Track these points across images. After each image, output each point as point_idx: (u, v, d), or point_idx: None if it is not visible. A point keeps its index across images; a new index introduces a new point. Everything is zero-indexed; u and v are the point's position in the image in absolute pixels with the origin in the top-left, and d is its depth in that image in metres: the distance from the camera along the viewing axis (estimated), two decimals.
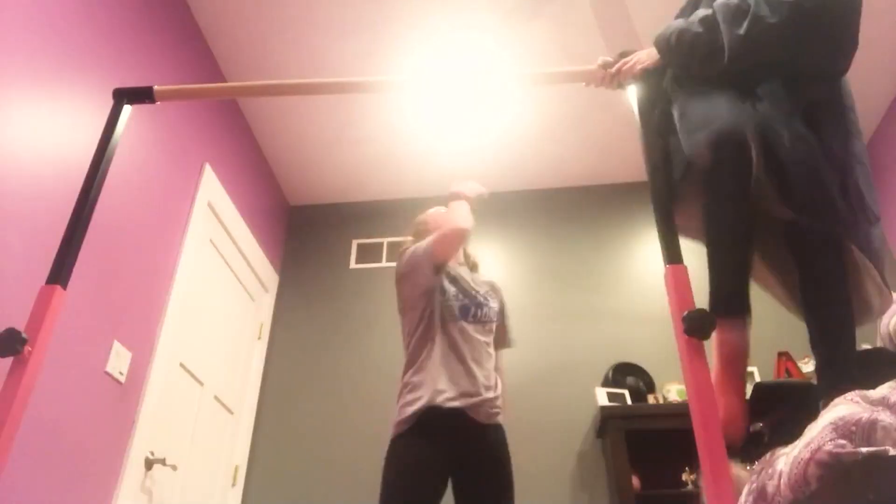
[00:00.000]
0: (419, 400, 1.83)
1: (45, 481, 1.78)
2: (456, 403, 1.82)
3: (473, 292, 2.06)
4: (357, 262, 3.67)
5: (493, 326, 2.07)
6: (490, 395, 1.91)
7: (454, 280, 2.06)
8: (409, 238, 2.24)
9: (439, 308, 1.97)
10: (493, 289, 2.19)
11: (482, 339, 1.99)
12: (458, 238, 1.99)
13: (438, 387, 1.83)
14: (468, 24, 2.81)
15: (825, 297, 1.30)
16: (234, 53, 2.95)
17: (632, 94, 1.40)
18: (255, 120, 3.34)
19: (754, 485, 1.22)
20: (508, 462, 1.93)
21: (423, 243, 2.01)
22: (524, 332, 3.37)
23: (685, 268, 1.15)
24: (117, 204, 2.19)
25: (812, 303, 1.32)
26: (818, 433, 1.16)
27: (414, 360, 1.94)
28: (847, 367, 1.28)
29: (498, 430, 1.93)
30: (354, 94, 3.10)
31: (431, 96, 3.18)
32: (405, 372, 1.95)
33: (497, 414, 1.93)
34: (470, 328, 1.96)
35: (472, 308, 2.01)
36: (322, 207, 3.92)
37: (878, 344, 1.48)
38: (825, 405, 1.17)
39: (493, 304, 2.10)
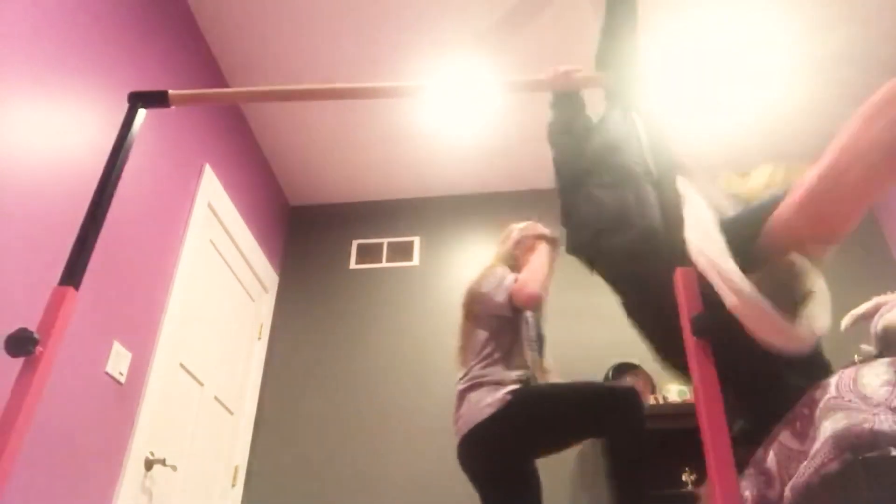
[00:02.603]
0: None
1: (46, 481, 1.79)
2: None
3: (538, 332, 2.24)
4: (357, 262, 3.68)
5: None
6: None
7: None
8: (497, 253, 2.38)
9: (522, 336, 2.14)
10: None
11: None
12: (533, 304, 2.10)
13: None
14: (468, 27, 2.81)
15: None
16: (237, 57, 2.95)
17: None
18: (255, 120, 3.34)
19: (748, 492, 1.23)
20: None
21: (512, 284, 2.11)
22: None
23: (693, 270, 1.16)
24: (118, 205, 2.19)
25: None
26: (820, 447, 1.16)
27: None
28: None
29: None
30: (362, 99, 3.11)
31: (432, 99, 3.18)
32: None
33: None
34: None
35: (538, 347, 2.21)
36: (322, 207, 3.92)
37: (872, 344, 1.48)
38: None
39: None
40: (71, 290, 1.21)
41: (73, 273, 1.23)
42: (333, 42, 2.90)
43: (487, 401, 1.94)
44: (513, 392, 1.96)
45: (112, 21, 2.21)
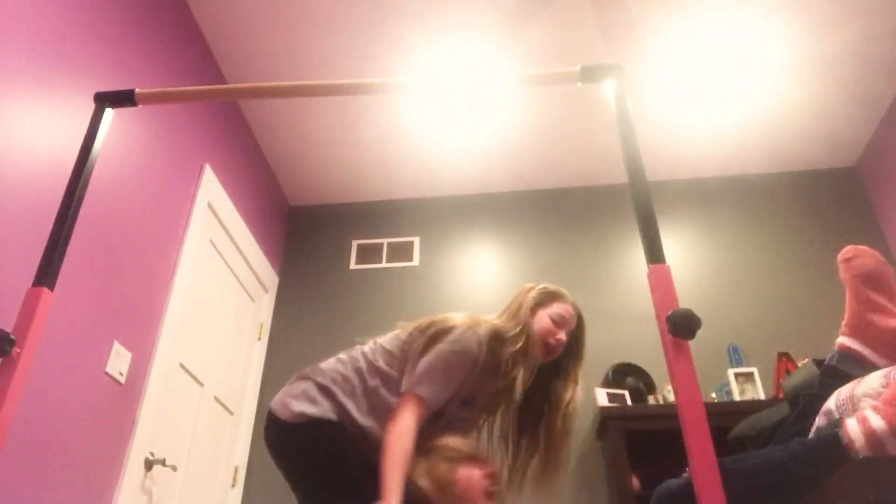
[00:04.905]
0: None
1: (46, 481, 1.78)
2: None
3: None
4: (357, 262, 3.68)
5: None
6: None
7: None
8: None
9: None
10: None
11: None
12: None
13: None
14: (468, 25, 2.81)
15: None
16: (235, 54, 2.95)
17: (609, 94, 1.38)
18: (255, 120, 3.34)
19: None
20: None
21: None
22: None
23: (668, 267, 1.16)
24: (117, 204, 2.19)
25: None
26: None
27: None
28: None
29: None
30: (353, 95, 3.11)
31: (431, 97, 3.18)
32: None
33: None
34: None
35: None
36: (322, 208, 3.92)
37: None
38: None
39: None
40: (45, 290, 1.21)
41: (47, 274, 1.24)
42: (332, 38, 2.89)
43: None
44: None
45: (110, 23, 2.20)
